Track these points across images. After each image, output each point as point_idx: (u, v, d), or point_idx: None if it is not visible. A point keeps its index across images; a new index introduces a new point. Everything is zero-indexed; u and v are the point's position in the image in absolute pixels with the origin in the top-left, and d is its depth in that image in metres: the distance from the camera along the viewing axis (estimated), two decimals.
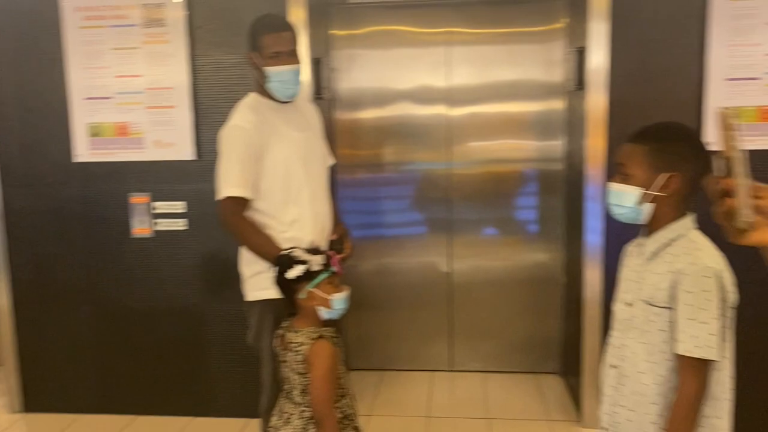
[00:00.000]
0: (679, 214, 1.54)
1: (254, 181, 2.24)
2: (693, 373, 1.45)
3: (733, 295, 1.49)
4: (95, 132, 3.14)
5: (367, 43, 3.57)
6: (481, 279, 3.68)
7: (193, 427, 3.18)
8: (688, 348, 1.44)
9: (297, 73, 2.27)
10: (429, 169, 3.65)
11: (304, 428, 1.92)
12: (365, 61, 3.58)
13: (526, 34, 3.47)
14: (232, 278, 3.16)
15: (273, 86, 2.26)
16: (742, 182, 0.92)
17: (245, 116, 2.26)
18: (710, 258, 1.48)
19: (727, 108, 0.90)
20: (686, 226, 1.55)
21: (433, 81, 3.55)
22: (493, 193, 3.63)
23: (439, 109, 3.57)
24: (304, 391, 1.93)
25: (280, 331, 2.08)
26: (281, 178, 2.27)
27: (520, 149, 3.57)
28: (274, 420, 2.07)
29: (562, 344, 3.63)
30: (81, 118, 3.13)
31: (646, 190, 1.52)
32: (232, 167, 2.23)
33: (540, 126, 3.53)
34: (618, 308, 1.67)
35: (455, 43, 3.51)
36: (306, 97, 2.78)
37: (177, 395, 3.28)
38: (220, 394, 3.26)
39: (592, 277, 2.98)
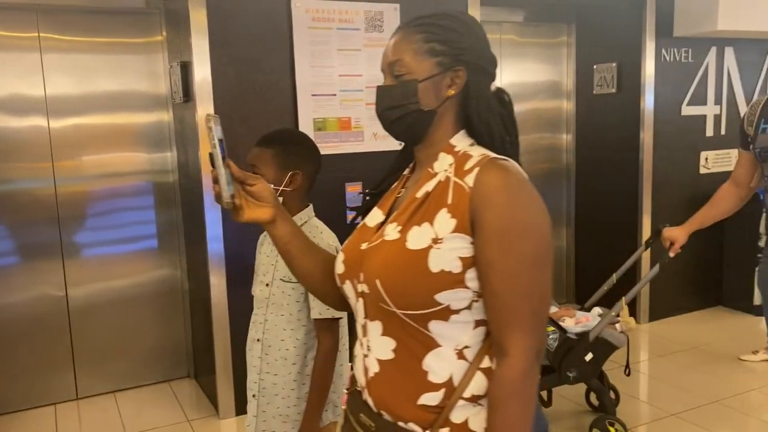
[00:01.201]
0: (303, 205, 1.83)
1: None
2: (327, 331, 1.76)
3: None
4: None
5: None
6: (102, 300, 3.52)
7: None
8: (321, 311, 1.73)
9: None
10: (30, 188, 3.34)
11: None
12: None
13: (126, 45, 3.44)
14: None
15: None
16: (221, 172, 1.12)
17: None
18: (331, 237, 1.80)
19: (208, 114, 1.15)
20: (309, 213, 1.85)
21: (28, 90, 3.26)
22: (107, 209, 3.51)
23: (38, 121, 3.29)
24: None
25: None
26: None
27: (130, 162, 3.53)
28: None
29: (191, 348, 3.74)
30: None
31: (276, 186, 1.76)
32: None
33: (149, 138, 3.55)
34: (257, 290, 1.88)
35: (50, 50, 3.28)
36: None
37: None
38: None
39: (218, 282, 3.15)
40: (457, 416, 1.09)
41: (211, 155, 1.13)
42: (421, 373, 1.10)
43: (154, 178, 3.60)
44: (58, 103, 3.33)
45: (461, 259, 1.05)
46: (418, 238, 1.08)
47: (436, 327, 1.08)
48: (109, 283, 3.55)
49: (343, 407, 1.28)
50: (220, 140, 1.12)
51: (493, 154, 1.11)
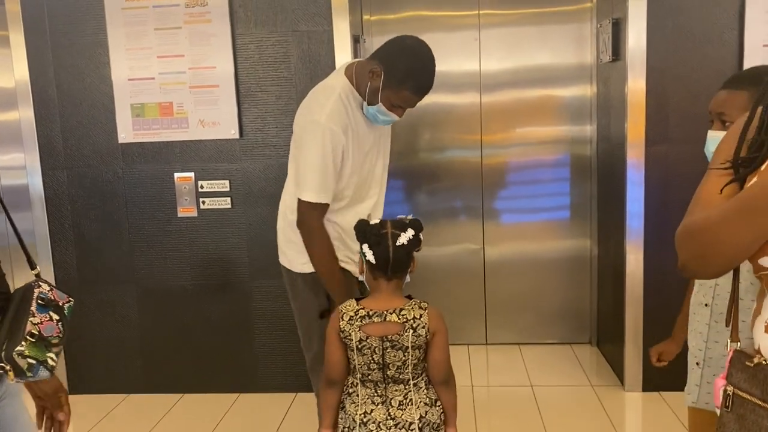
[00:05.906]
0: None
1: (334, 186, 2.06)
2: None
3: None
4: (138, 113, 3.02)
5: (400, 28, 3.45)
6: (513, 259, 3.57)
7: (242, 402, 3.05)
8: None
9: (391, 122, 2.13)
10: (460, 157, 3.53)
11: (428, 397, 1.71)
12: None
13: (555, 14, 3.36)
14: (276, 255, 3.07)
15: (368, 112, 2.05)
16: None
17: (337, 116, 1.98)
18: None
19: None
20: None
21: (465, 66, 3.43)
22: (525, 179, 3.54)
23: (471, 97, 3.45)
24: (416, 365, 1.68)
25: (359, 322, 1.66)
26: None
27: (550, 134, 3.46)
28: (378, 412, 1.69)
29: (595, 315, 3.55)
30: (124, 99, 3.01)
31: None
32: (322, 170, 1.97)
33: (570, 110, 3.42)
34: None
35: (487, 26, 3.39)
36: None
37: (224, 372, 3.14)
38: (268, 369, 3.13)
39: (635, 257, 2.88)
40: None
41: None
42: None
43: (572, 149, 3.47)
44: (491, 78, 3.43)
45: None
46: None
47: None
48: (521, 244, 3.57)
49: (727, 388, 0.95)
50: None
51: None
